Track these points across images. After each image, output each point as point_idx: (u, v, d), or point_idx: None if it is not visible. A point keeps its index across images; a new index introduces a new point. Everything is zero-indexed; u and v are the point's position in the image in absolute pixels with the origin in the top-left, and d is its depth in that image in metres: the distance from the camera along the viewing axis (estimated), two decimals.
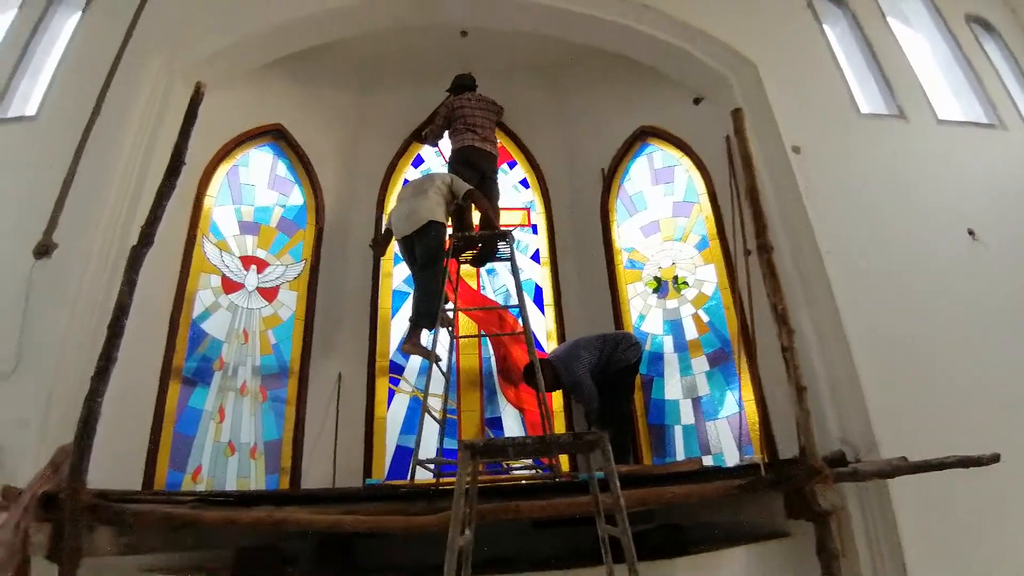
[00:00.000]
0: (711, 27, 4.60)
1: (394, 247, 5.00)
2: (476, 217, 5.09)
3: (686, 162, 5.28)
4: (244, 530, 2.70)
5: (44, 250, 3.57)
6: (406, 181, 5.55)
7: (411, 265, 4.58)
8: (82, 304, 3.48)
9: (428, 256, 4.39)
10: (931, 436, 3.11)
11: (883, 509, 3.20)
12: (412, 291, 4.54)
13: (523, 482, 4.23)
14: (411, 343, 4.31)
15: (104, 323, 3.32)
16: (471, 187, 4.67)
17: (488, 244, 4.88)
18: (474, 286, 5.51)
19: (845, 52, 4.96)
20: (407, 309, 5.17)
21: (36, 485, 2.59)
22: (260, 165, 5.19)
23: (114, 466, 3.33)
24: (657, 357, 4.99)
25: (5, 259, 3.55)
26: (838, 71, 4.71)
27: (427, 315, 4.30)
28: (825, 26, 4.98)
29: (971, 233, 4.09)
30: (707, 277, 4.96)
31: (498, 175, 5.28)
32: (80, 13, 4.55)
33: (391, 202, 5.46)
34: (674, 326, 5.03)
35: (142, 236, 2.90)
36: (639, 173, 5.58)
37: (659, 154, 5.51)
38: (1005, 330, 3.86)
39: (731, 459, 4.41)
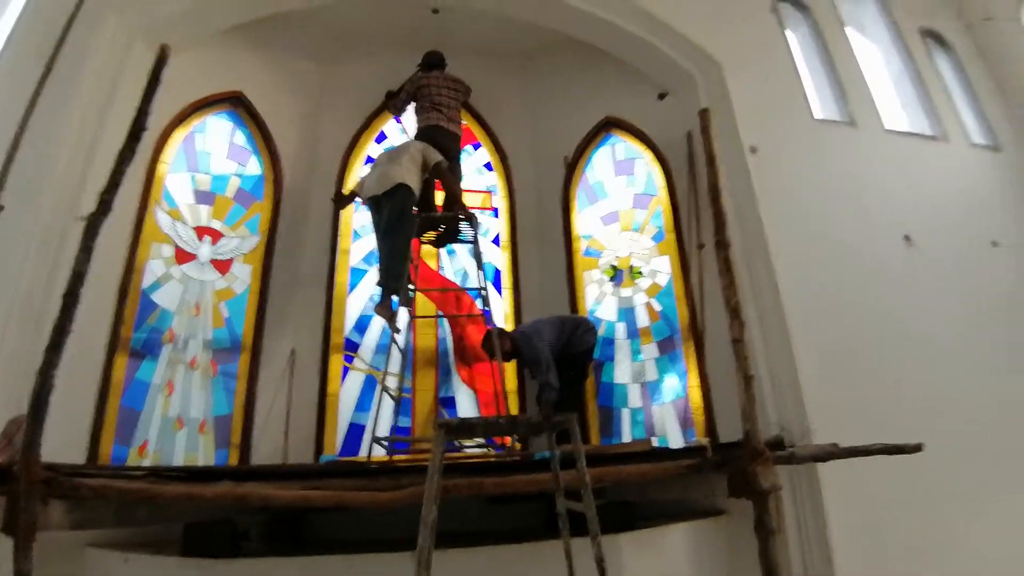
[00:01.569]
0: (680, 23, 4.72)
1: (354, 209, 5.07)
2: (439, 198, 5.10)
3: (647, 155, 5.41)
4: (199, 505, 2.67)
5: None
6: (369, 158, 5.51)
7: (378, 230, 4.58)
8: (30, 270, 3.35)
9: (395, 217, 4.42)
10: (862, 427, 3.28)
11: (812, 492, 3.46)
12: (379, 256, 4.56)
13: (491, 459, 4.36)
14: (383, 306, 4.35)
15: (52, 290, 3.25)
16: (441, 159, 4.70)
17: (451, 225, 4.90)
18: (433, 266, 5.52)
19: (804, 57, 5.16)
20: (364, 286, 5.20)
21: None
22: (218, 133, 5.01)
23: (58, 439, 3.18)
24: (609, 342, 5.15)
25: None
26: (796, 76, 4.91)
27: (394, 276, 4.35)
28: (787, 30, 5.17)
29: (907, 238, 4.38)
30: (661, 268, 5.12)
31: (461, 156, 5.29)
32: None
33: (352, 176, 5.40)
34: (627, 313, 5.19)
35: (100, 204, 2.80)
36: (601, 163, 5.68)
37: (622, 146, 5.62)
38: (935, 330, 4.17)
39: (674, 441, 4.61)
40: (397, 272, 4.35)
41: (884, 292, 4.14)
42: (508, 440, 4.43)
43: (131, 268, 4.21)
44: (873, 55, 5.58)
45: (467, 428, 1.92)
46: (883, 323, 4.02)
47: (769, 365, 3.85)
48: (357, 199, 4.92)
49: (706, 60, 4.63)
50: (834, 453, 2.92)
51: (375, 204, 4.52)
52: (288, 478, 2.63)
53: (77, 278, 2.65)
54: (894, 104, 5.32)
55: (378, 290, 4.48)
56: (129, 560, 3.14)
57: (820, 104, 4.89)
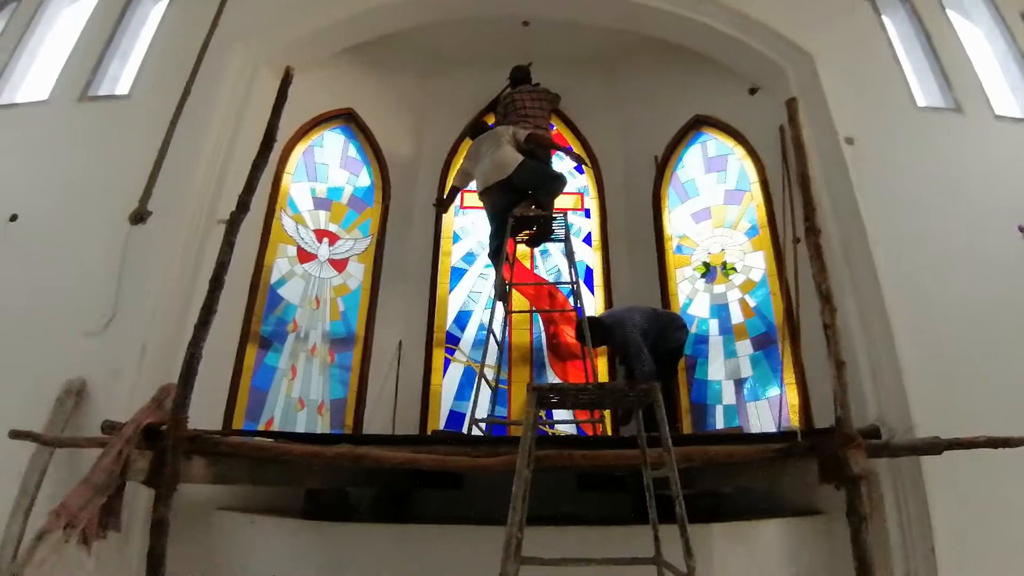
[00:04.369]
0: (767, 17, 4.70)
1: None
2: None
3: (739, 151, 5.38)
4: (321, 463, 2.95)
5: (140, 217, 3.97)
6: None
7: (498, 214, 4.87)
8: (175, 267, 3.86)
9: (546, 178, 4.93)
10: (969, 423, 3.11)
11: (916, 487, 3.29)
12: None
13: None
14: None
15: (195, 284, 3.76)
16: (530, 131, 4.98)
17: (543, 225, 5.11)
18: (527, 266, 5.77)
19: (903, 43, 4.94)
20: (464, 284, 5.64)
21: (140, 417, 2.94)
22: (333, 146, 5.57)
23: (197, 414, 3.66)
24: (702, 339, 5.15)
25: (103, 224, 3.95)
26: (895, 62, 4.71)
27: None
28: (884, 16, 4.98)
29: (1021, 229, 4.10)
30: (756, 264, 5.08)
31: (552, 161, 5.49)
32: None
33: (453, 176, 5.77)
34: (720, 310, 5.17)
35: (240, 204, 3.29)
36: (692, 161, 5.70)
37: (713, 143, 5.62)
38: None
39: None
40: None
41: (994, 285, 3.88)
42: (599, 429, 4.55)
43: (260, 267, 4.74)
44: (975, 38, 5.22)
45: (558, 391, 2.09)
46: (992, 317, 3.77)
47: (870, 360, 3.71)
48: (459, 200, 5.33)
49: (796, 52, 4.58)
50: (934, 445, 2.81)
51: (500, 188, 4.78)
52: (399, 444, 2.91)
53: (221, 267, 3.11)
54: (1002, 89, 4.93)
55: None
56: (255, 522, 3.50)
57: (923, 91, 4.66)
